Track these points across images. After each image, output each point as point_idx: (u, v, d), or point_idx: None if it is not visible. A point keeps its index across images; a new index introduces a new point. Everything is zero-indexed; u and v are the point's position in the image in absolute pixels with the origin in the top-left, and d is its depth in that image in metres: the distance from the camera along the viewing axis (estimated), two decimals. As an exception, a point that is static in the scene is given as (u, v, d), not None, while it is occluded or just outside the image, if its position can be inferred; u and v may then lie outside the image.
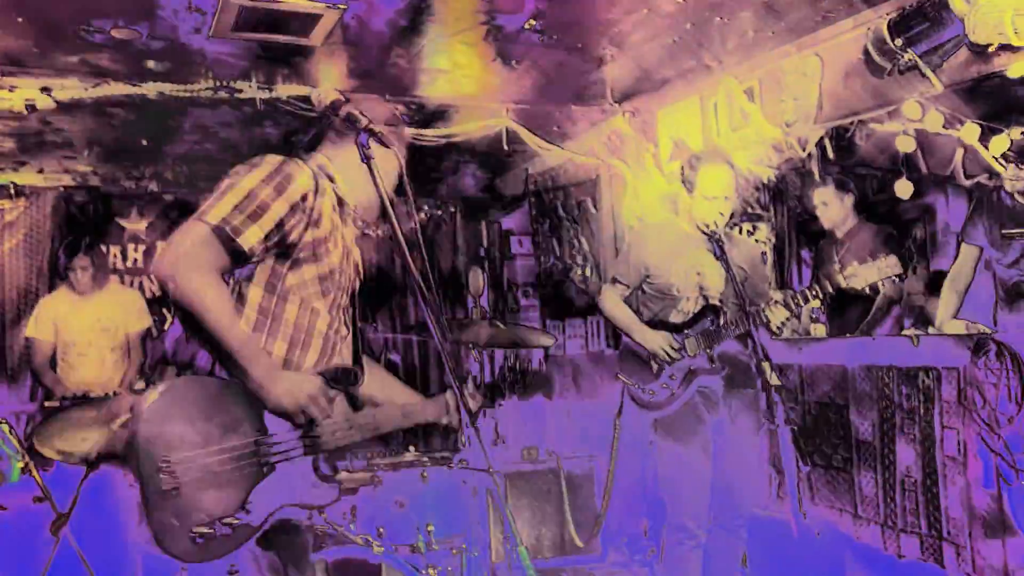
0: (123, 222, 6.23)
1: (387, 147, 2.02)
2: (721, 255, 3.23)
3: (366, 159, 2.00)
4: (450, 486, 3.44)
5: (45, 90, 3.92)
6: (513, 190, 6.51)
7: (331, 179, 2.18)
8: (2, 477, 5.48)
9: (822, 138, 4.08)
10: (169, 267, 1.90)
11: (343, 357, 2.22)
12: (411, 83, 4.43)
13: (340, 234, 2.17)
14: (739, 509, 3.51)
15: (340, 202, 2.19)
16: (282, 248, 2.03)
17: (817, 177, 4.27)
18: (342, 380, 2.15)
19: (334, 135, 2.21)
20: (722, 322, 3.41)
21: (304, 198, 2.03)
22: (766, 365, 2.86)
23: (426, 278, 1.99)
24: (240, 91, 4.25)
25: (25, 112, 3.91)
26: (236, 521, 1.93)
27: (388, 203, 2.00)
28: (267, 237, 1.98)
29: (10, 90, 3.86)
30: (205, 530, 1.89)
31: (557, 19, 3.71)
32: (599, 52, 4.08)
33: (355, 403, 2.20)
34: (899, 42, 3.32)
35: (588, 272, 5.62)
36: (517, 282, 6.69)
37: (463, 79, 4.38)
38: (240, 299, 2.05)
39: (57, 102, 3.94)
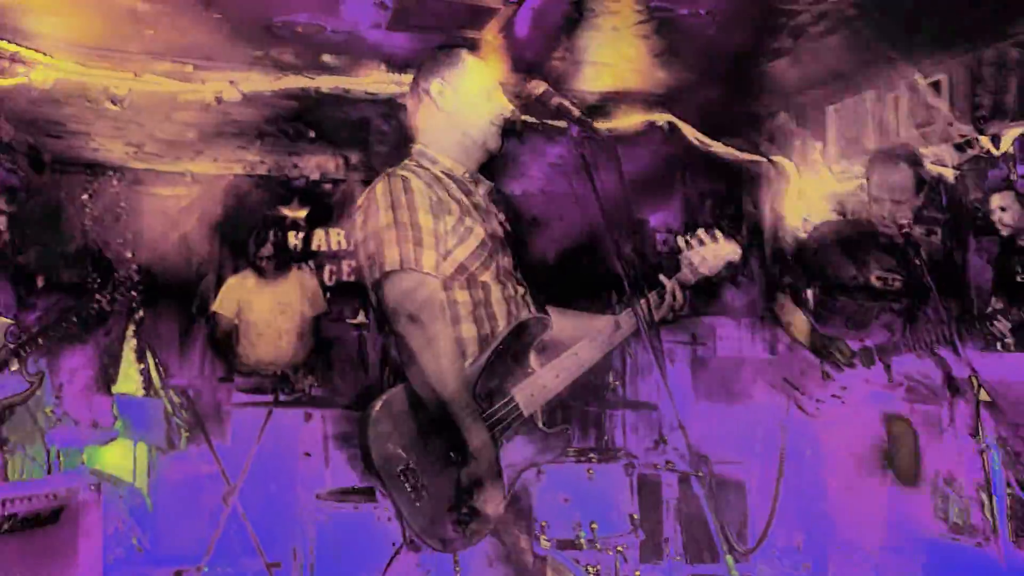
0: (285, 210, 6.53)
1: (598, 137, 2.00)
2: (915, 257, 3.04)
3: (579, 151, 1.99)
4: (615, 485, 3.41)
5: (232, 83, 4.13)
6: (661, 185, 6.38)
7: (433, 161, 2.22)
8: (173, 446, 5.89)
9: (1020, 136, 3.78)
10: (391, 314, 2.01)
11: (524, 314, 2.22)
12: (572, 76, 4.41)
13: (469, 205, 2.19)
14: (915, 532, 3.30)
15: (450, 176, 2.21)
16: (443, 247, 2.09)
17: (1014, 178, 3.95)
18: (531, 333, 2.14)
19: (421, 112, 2.24)
20: (908, 332, 3.21)
21: (428, 197, 2.08)
22: (974, 379, 2.66)
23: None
24: (407, 84, 4.34)
25: (214, 104, 4.14)
26: (468, 513, 1.95)
27: (596, 188, 1.98)
28: (437, 251, 2.06)
29: (202, 83, 4.09)
30: (462, 519, 1.95)
31: (734, 11, 3.59)
32: (774, 44, 3.93)
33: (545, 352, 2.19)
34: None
35: (746, 273, 5.45)
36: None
37: (628, 72, 4.32)
38: (442, 310, 2.09)
39: (242, 94, 4.14)
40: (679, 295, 2.26)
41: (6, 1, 3.39)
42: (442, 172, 2.21)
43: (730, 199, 5.68)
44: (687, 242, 2.30)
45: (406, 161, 2.23)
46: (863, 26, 3.79)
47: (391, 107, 4.71)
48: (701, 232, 2.29)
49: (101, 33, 3.76)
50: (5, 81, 3.88)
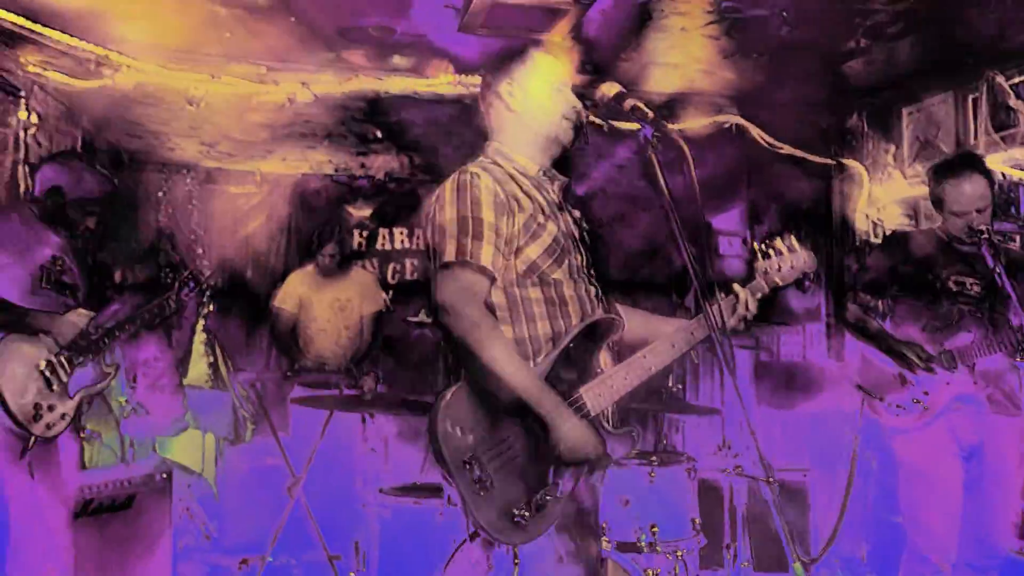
0: (350, 208, 6.64)
1: (670, 139, 2.00)
2: (996, 262, 2.95)
3: (650, 153, 1.99)
4: (676, 488, 3.39)
5: (304, 84, 4.22)
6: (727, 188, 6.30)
7: (508, 158, 2.23)
8: (239, 438, 6.04)
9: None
10: (442, 310, 2.04)
11: (597, 313, 2.23)
12: (641, 78, 4.39)
13: (543, 203, 2.20)
14: (993, 548, 3.19)
15: (524, 174, 2.23)
16: (508, 245, 2.10)
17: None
18: (603, 332, 2.15)
19: (493, 114, 2.27)
20: (990, 336, 3.11)
21: (496, 194, 2.09)
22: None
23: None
24: (474, 86, 4.38)
25: (287, 104, 4.24)
26: (548, 496, 1.99)
27: (667, 191, 1.98)
28: (496, 247, 2.07)
29: (275, 84, 4.19)
30: (523, 512, 1.97)
31: (808, 11, 3.54)
32: (848, 45, 3.85)
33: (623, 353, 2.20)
34: None
35: (812, 278, 5.34)
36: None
37: (697, 73, 4.28)
38: (490, 310, 2.11)
39: (314, 95, 4.23)
40: (752, 304, 2.23)
41: (93, 7, 3.53)
42: (515, 169, 2.23)
43: (799, 203, 5.57)
44: (763, 251, 2.26)
45: (480, 158, 2.26)
46: (939, 27, 3.69)
47: (459, 109, 4.76)
48: (778, 241, 2.26)
49: (181, 37, 3.89)
50: (90, 83, 4.04)
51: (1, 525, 2.98)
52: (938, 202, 3.24)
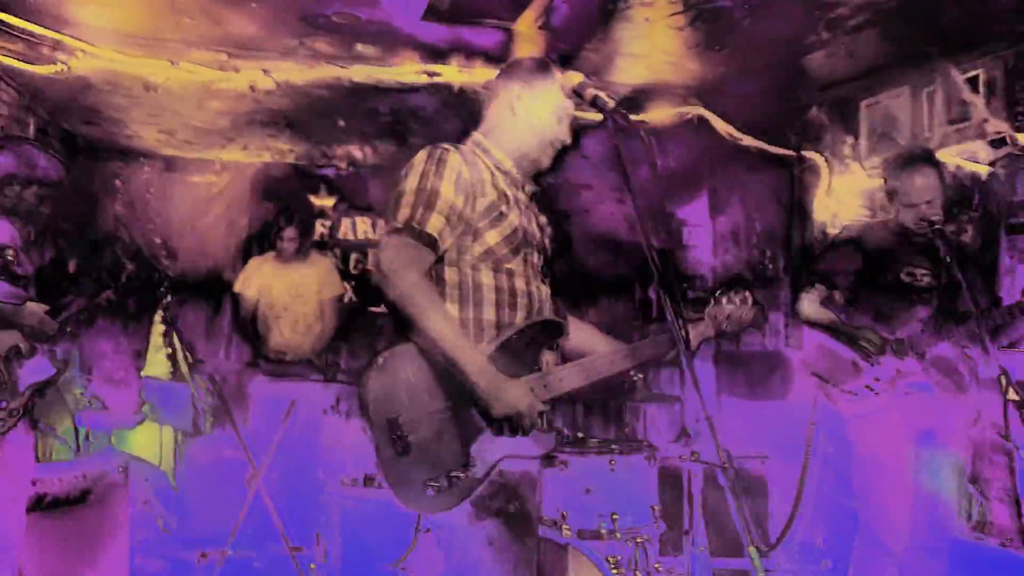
0: (312, 198, 6.58)
1: (632, 132, 2.01)
2: (945, 253, 3.03)
3: (614, 143, 2.01)
4: (637, 476, 3.41)
5: (266, 72, 4.16)
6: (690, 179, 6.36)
7: (487, 151, 2.26)
8: (198, 430, 5.96)
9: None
10: (380, 273, 2.05)
11: (547, 313, 2.28)
12: (606, 68, 4.40)
13: (511, 196, 2.23)
14: (944, 531, 3.28)
15: (499, 168, 2.26)
16: (463, 224, 2.13)
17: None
18: (550, 333, 2.20)
19: (493, 107, 2.31)
20: (940, 326, 3.19)
21: (460, 174, 2.12)
22: (1003, 378, 2.65)
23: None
24: (439, 75, 4.37)
25: (248, 92, 4.18)
26: (462, 473, 2.03)
27: (630, 181, 2.00)
28: (448, 220, 2.09)
29: (236, 71, 4.13)
30: (435, 483, 2.02)
31: (770, 3, 3.57)
32: (810, 38, 3.90)
33: (564, 357, 2.27)
34: None
35: (772, 267, 5.43)
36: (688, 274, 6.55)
37: (661, 64, 4.30)
38: (440, 282, 2.15)
39: (276, 83, 4.18)
40: (694, 342, 2.36)
41: (47, -12, 3.45)
42: (491, 162, 2.26)
43: (760, 193, 5.64)
44: (715, 298, 2.43)
45: (460, 144, 2.27)
46: (900, 20, 3.76)
47: (424, 97, 4.73)
48: (732, 293, 2.43)
49: (140, 22, 3.81)
50: (45, 68, 3.94)
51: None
52: (891, 194, 3.31)
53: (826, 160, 4.77)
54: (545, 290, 2.30)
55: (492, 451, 2.09)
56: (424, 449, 2.03)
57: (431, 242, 2.07)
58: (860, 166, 4.58)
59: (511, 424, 2.05)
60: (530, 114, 2.27)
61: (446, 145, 2.17)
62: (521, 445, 2.11)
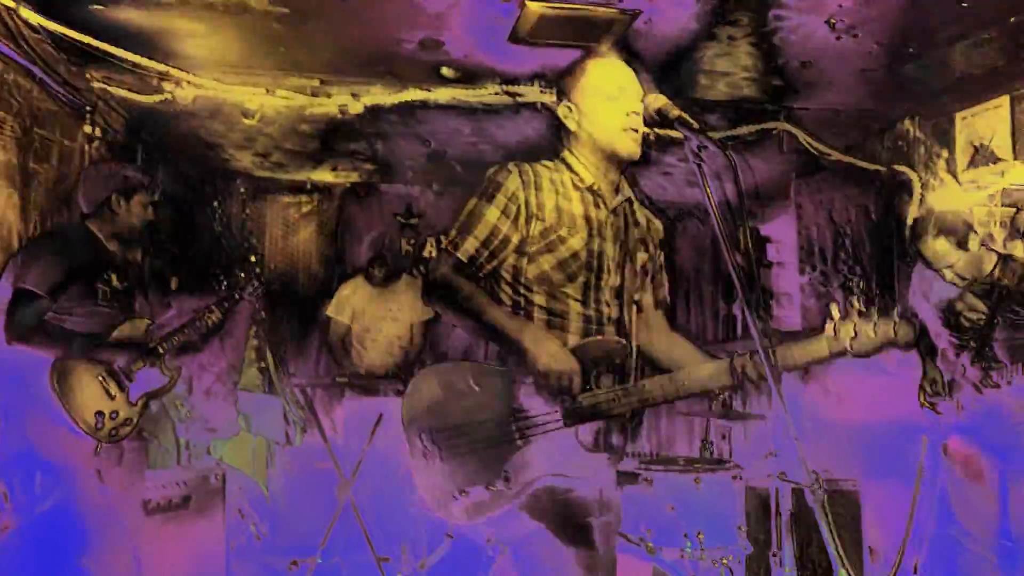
0: (398, 217, 6.75)
1: (716, 148, 2.02)
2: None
3: (696, 161, 2.02)
4: (722, 495, 3.38)
5: (355, 96, 4.32)
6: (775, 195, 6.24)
7: (569, 166, 2.29)
8: (289, 441, 6.15)
9: None
10: (437, 281, 2.23)
11: (608, 334, 2.27)
12: (688, 86, 4.39)
13: (581, 218, 2.23)
14: None
15: (576, 186, 2.27)
16: (515, 246, 2.18)
17: None
18: (607, 355, 2.17)
19: (563, 128, 2.32)
20: None
21: (513, 197, 2.16)
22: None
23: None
24: (521, 95, 4.43)
25: (338, 115, 4.34)
26: (495, 488, 2.07)
27: (714, 207, 2.00)
28: (485, 244, 2.16)
29: (327, 96, 4.29)
30: (457, 494, 2.08)
31: (862, 16, 3.50)
32: (902, 50, 3.80)
33: (624, 376, 2.23)
34: None
35: (860, 287, 5.27)
36: (773, 291, 6.42)
37: (743, 81, 4.27)
38: (497, 302, 2.21)
39: (364, 107, 4.33)
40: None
41: (157, 26, 3.67)
42: (570, 179, 2.28)
43: (848, 210, 5.49)
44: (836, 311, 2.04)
45: (546, 161, 2.33)
46: (995, 30, 3.63)
47: (504, 119, 4.81)
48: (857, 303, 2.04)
49: (238, 52, 4.01)
50: (152, 98, 4.19)
51: (76, 530, 3.09)
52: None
53: (918, 175, 4.63)
54: (612, 312, 2.27)
55: (529, 468, 2.09)
56: (452, 463, 2.09)
57: (458, 264, 2.17)
58: (955, 180, 4.42)
59: (551, 382, 2.06)
60: (582, 120, 2.29)
61: (511, 166, 2.23)
62: (563, 465, 2.09)
